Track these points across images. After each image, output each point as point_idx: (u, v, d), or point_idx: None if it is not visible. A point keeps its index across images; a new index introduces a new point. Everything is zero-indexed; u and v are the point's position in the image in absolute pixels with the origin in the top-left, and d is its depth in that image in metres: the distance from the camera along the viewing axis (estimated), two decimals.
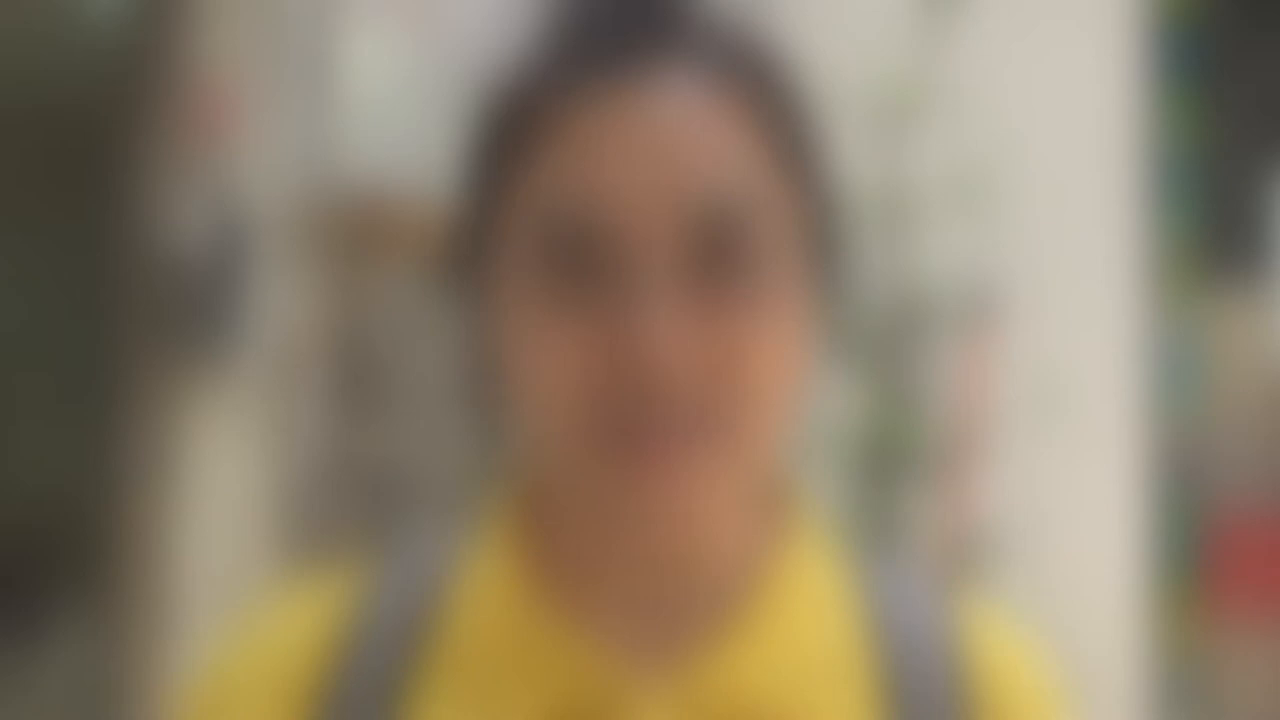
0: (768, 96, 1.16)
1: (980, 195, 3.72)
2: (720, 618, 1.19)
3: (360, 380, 3.80)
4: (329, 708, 1.20)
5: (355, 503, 3.75)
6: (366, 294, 3.81)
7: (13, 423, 4.87)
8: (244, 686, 1.22)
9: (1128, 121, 3.95)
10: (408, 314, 3.77)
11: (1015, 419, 3.77)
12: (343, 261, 3.80)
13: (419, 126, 3.77)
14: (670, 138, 1.12)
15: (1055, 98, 3.86)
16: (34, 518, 4.81)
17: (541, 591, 1.20)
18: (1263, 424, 4.17)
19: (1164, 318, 4.02)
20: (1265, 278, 4.18)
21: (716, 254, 1.12)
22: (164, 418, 3.90)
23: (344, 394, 3.80)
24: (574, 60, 1.15)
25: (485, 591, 1.21)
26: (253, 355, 3.78)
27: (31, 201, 4.83)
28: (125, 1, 4.21)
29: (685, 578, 1.19)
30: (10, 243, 4.96)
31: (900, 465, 3.70)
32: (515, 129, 1.16)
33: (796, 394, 1.16)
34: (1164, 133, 4.03)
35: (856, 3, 3.71)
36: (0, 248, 4.94)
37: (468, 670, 1.19)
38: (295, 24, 3.84)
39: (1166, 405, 4.02)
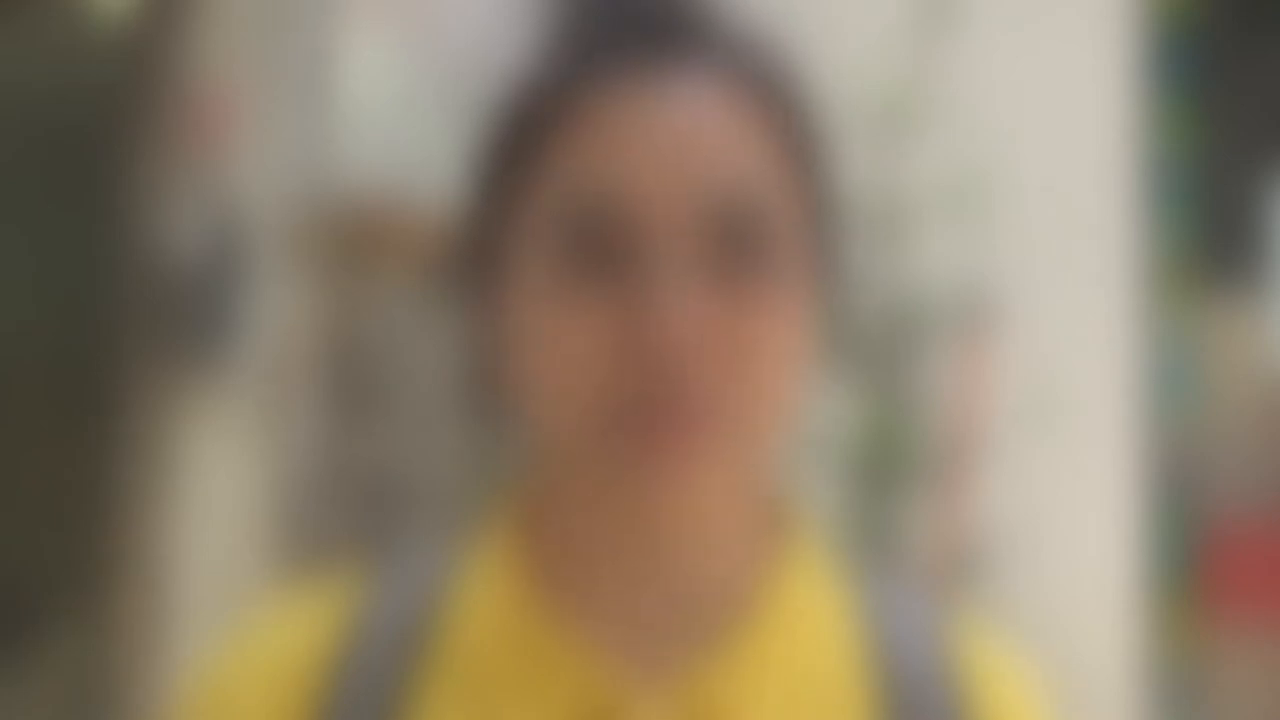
0: (776, 99, 1.18)
1: (976, 202, 3.72)
2: (718, 629, 1.20)
3: (357, 387, 3.79)
4: (327, 716, 1.20)
5: (352, 509, 3.74)
6: (364, 301, 3.81)
7: (7, 427, 4.87)
8: (241, 695, 1.22)
9: (1124, 128, 3.95)
10: (405, 321, 3.77)
11: (1012, 426, 3.77)
12: (340, 268, 3.80)
13: (417, 134, 3.77)
14: (686, 132, 1.14)
15: (1051, 104, 3.86)
16: (29, 523, 4.80)
17: (540, 600, 1.20)
18: (1259, 431, 4.17)
19: (1160, 324, 4.02)
20: (1262, 284, 4.18)
21: (731, 245, 1.14)
22: (161, 423, 3.90)
23: (341, 401, 3.80)
24: (589, 61, 1.17)
25: (484, 600, 1.21)
26: (249, 362, 3.78)
27: (29, 207, 4.83)
28: (124, 8, 4.21)
29: (685, 586, 1.19)
30: (7, 247, 4.96)
31: (897, 472, 3.70)
32: (529, 127, 1.17)
33: (797, 394, 1.17)
34: (1160, 139, 4.03)
35: (853, 11, 3.72)
36: None
37: (466, 678, 1.19)
38: (293, 31, 3.84)
39: (1163, 412, 4.02)
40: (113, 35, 4.29)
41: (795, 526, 1.24)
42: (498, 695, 1.18)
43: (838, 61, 3.53)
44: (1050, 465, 3.77)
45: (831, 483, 3.61)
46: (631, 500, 1.14)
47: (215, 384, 3.81)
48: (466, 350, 1.22)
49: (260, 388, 3.77)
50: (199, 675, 1.26)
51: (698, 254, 1.13)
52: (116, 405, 4.07)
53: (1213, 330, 4.13)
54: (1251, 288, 4.17)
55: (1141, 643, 3.90)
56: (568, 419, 1.14)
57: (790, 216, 1.16)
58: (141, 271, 3.94)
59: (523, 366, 1.16)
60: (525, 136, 1.17)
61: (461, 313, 1.22)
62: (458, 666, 1.19)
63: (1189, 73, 4.10)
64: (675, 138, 1.14)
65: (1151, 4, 4.01)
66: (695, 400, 1.12)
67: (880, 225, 3.68)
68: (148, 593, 3.92)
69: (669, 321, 1.11)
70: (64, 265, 4.68)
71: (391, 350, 3.78)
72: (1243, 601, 4.10)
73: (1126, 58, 3.96)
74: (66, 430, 4.59)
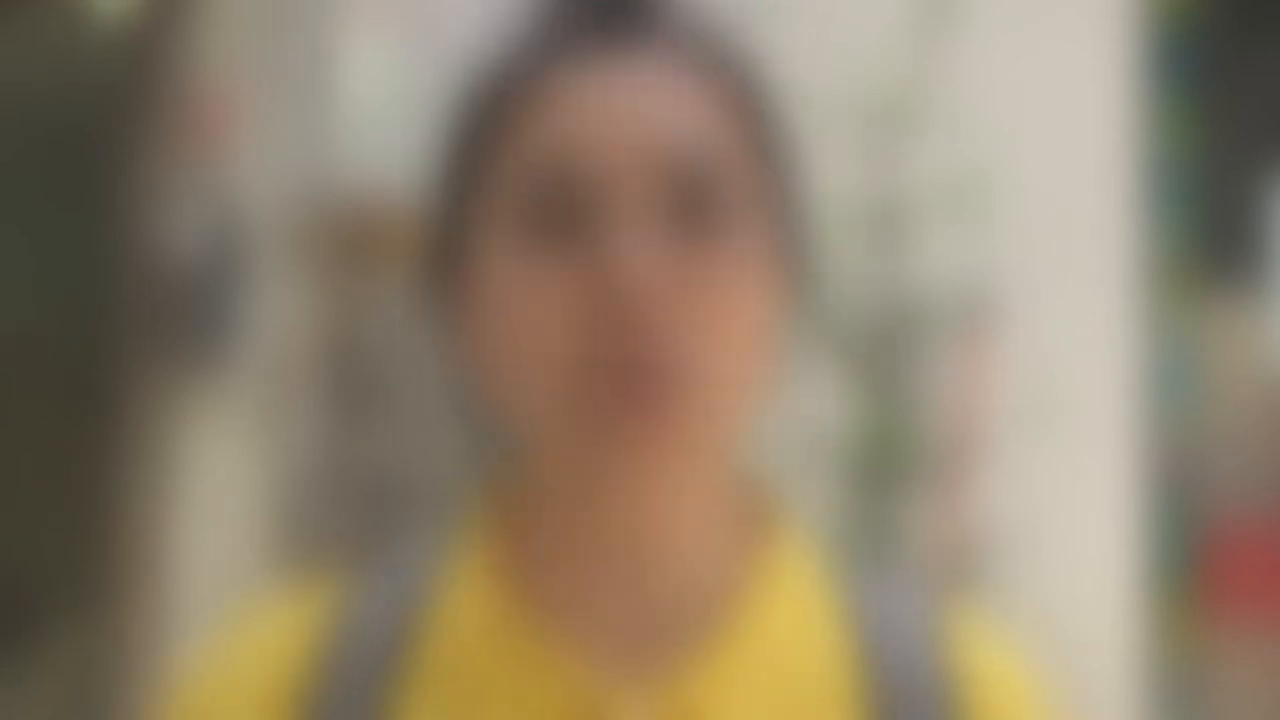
0: (734, 82, 1.21)
1: (976, 202, 3.72)
2: (702, 628, 1.20)
3: (356, 387, 3.80)
4: (311, 717, 1.20)
5: (352, 509, 3.75)
6: (362, 301, 3.81)
7: (7, 427, 4.87)
8: (226, 697, 1.23)
9: (1124, 128, 3.95)
10: (405, 321, 3.77)
11: (1012, 426, 3.77)
12: (339, 269, 3.80)
13: (416, 135, 3.77)
14: (645, 103, 1.18)
15: (1051, 104, 3.86)
16: (29, 523, 4.80)
17: (522, 601, 1.20)
18: (1259, 431, 4.17)
19: (1160, 325, 4.02)
20: (1262, 285, 4.18)
21: (690, 207, 1.16)
22: (161, 423, 3.90)
23: (341, 401, 3.80)
24: (551, 45, 1.20)
25: (466, 602, 1.21)
26: (250, 362, 3.78)
27: (29, 207, 4.83)
28: (124, 8, 4.21)
29: (667, 586, 1.20)
30: (7, 247, 4.96)
31: (896, 472, 3.70)
32: (494, 111, 1.20)
33: (768, 372, 1.18)
34: (1160, 140, 4.03)
35: (852, 12, 3.72)
36: None
37: (449, 681, 1.20)
38: (293, 31, 3.84)
39: (1163, 413, 4.02)
40: (113, 35, 4.29)
41: (780, 524, 1.24)
42: (480, 698, 1.18)
43: (837, 61, 3.53)
44: (1050, 465, 3.77)
45: (831, 483, 3.61)
46: (607, 469, 1.15)
47: (215, 384, 3.81)
48: (441, 344, 1.24)
49: (260, 388, 3.78)
50: (184, 678, 1.26)
51: (656, 214, 1.15)
52: (116, 405, 4.07)
53: (1213, 330, 4.13)
54: (1251, 288, 4.17)
55: (1141, 643, 3.90)
56: (537, 388, 1.15)
57: (748, 188, 1.19)
58: (141, 271, 3.94)
59: (492, 345, 1.18)
60: (489, 121, 1.20)
61: (435, 306, 1.24)
62: (441, 669, 1.20)
63: (1189, 73, 4.10)
64: (634, 107, 1.17)
65: (1151, 4, 4.01)
66: (660, 354, 1.14)
67: (880, 225, 3.68)
68: (148, 593, 3.92)
69: (628, 276, 1.13)
70: (64, 265, 4.68)
71: (391, 350, 3.79)
72: (1243, 601, 4.10)
73: (1126, 58, 3.96)
74: (66, 430, 4.59)
